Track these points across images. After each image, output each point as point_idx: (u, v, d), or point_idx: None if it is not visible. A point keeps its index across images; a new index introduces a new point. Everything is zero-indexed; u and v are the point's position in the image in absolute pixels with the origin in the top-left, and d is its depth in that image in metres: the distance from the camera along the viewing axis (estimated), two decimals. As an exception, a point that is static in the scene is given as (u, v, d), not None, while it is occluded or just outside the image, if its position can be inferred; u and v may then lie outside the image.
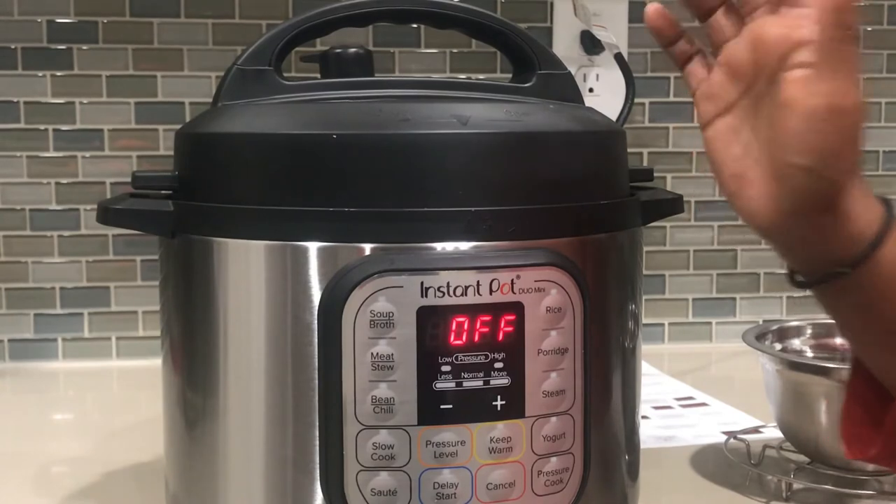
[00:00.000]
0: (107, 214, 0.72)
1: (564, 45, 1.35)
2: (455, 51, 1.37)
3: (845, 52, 0.59)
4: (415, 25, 1.34)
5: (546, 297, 0.67)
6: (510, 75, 0.80)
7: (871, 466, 0.87)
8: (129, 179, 0.74)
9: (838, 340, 0.98)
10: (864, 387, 0.67)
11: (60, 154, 1.32)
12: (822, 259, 0.63)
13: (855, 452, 0.68)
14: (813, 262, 0.64)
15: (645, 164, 1.38)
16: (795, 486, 0.87)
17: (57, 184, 1.32)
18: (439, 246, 0.66)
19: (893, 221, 0.62)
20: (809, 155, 0.59)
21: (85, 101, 1.32)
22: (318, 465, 0.66)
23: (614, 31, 1.27)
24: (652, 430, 1.05)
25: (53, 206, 1.32)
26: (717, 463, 0.95)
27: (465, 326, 0.65)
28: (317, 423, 0.66)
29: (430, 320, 0.65)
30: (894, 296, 0.62)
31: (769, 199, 0.61)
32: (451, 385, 0.65)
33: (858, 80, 0.59)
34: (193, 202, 0.71)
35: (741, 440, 0.94)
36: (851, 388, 0.68)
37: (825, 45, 0.59)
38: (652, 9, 0.66)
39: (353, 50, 0.77)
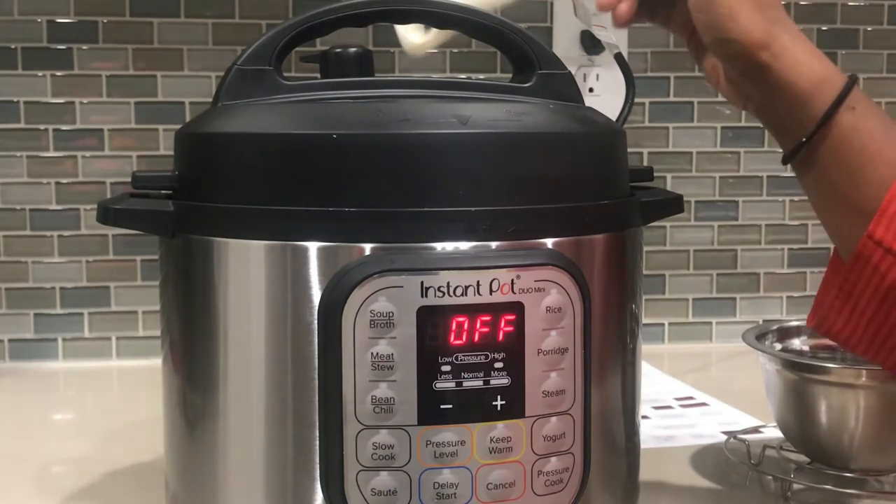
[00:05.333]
0: (107, 214, 0.72)
1: (564, 45, 1.35)
2: (455, 51, 1.37)
3: None
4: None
5: (546, 297, 0.67)
6: (510, 75, 0.80)
7: (871, 466, 0.87)
8: (129, 179, 0.74)
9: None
10: (837, 266, 0.76)
11: (60, 154, 1.32)
12: (787, 130, 0.75)
13: (810, 319, 0.79)
14: (783, 132, 0.76)
15: (645, 164, 1.38)
16: (795, 486, 0.87)
17: (57, 184, 1.32)
18: (439, 246, 0.66)
19: (848, 95, 0.72)
20: (708, 32, 0.73)
21: (85, 101, 1.32)
22: (318, 466, 0.66)
23: (614, 31, 1.27)
24: (652, 430, 1.05)
25: (53, 206, 1.32)
26: (717, 463, 0.95)
27: (465, 326, 0.65)
28: (317, 424, 0.66)
29: (430, 320, 0.65)
30: (841, 167, 0.73)
31: (726, 76, 0.77)
32: (451, 385, 0.65)
33: None
34: (193, 202, 0.71)
35: (741, 440, 0.94)
36: (830, 262, 0.77)
37: None
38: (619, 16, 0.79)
39: (353, 50, 0.77)
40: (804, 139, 0.73)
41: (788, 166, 0.77)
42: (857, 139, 0.72)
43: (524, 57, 0.77)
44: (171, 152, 0.76)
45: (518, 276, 0.66)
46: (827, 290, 0.76)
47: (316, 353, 0.66)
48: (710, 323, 1.46)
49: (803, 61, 0.73)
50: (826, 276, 0.77)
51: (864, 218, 0.71)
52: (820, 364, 0.89)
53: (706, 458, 0.97)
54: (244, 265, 0.68)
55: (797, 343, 0.98)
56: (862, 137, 0.72)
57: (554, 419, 0.68)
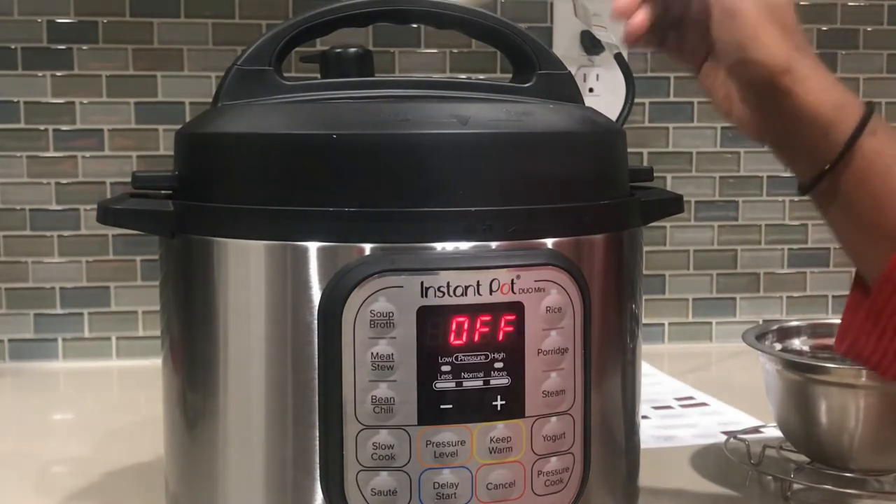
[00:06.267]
0: (107, 214, 0.72)
1: (564, 45, 1.35)
2: (455, 51, 1.37)
3: None
4: (415, 25, 1.34)
5: (546, 297, 0.67)
6: (510, 75, 0.80)
7: (871, 466, 0.87)
8: (129, 179, 0.74)
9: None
10: (862, 290, 0.75)
11: (60, 154, 1.32)
12: (808, 159, 0.74)
13: (838, 344, 0.78)
14: (803, 161, 0.75)
15: (645, 164, 1.38)
16: (795, 486, 0.87)
17: (57, 184, 1.32)
18: (439, 246, 0.66)
19: (869, 121, 0.72)
20: (730, 51, 0.73)
21: (85, 101, 1.32)
22: (318, 465, 0.66)
23: (614, 31, 1.27)
24: (652, 430, 1.05)
25: (53, 206, 1.32)
26: (717, 463, 0.95)
27: (465, 326, 0.65)
28: (317, 423, 0.66)
29: (430, 320, 0.65)
30: (866, 193, 0.72)
31: (743, 104, 0.75)
32: (451, 385, 0.65)
33: None
34: (193, 202, 0.71)
35: (741, 440, 0.94)
36: (853, 285, 0.77)
37: None
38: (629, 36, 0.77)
39: (353, 50, 0.77)
40: (827, 167, 0.72)
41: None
42: (881, 163, 0.72)
43: (524, 57, 0.77)
44: (171, 152, 0.76)
45: (518, 276, 0.66)
46: (853, 314, 0.76)
47: (316, 353, 0.66)
48: (710, 323, 1.46)
49: (824, 88, 0.72)
50: (851, 300, 0.77)
51: (891, 242, 0.71)
52: (820, 364, 0.89)
53: (706, 458, 0.97)
54: (244, 265, 0.68)
55: (797, 343, 0.98)
56: (886, 161, 0.72)
57: (554, 419, 0.68)
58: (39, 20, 1.31)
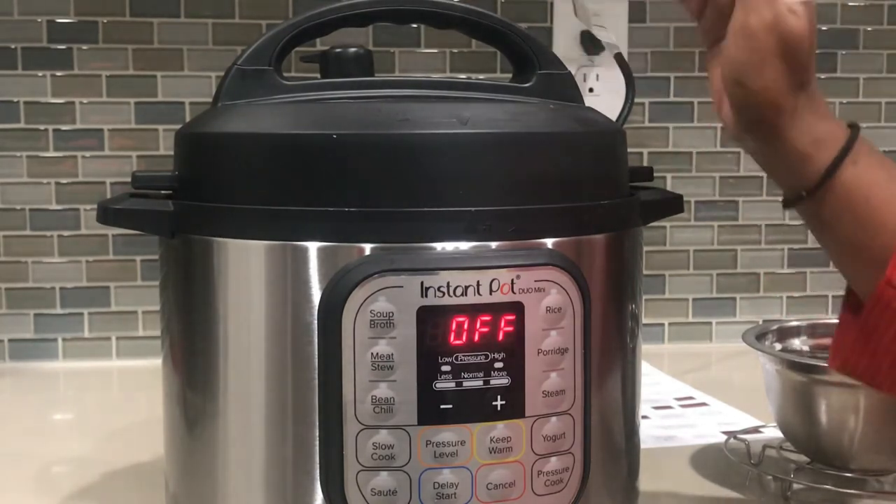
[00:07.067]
0: (107, 214, 0.72)
1: (564, 45, 1.35)
2: (455, 51, 1.37)
3: None
4: (415, 25, 1.34)
5: (546, 297, 0.67)
6: (510, 75, 0.80)
7: (871, 466, 0.87)
8: (129, 179, 0.74)
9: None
10: (852, 308, 0.74)
11: (60, 154, 1.32)
12: (786, 182, 0.73)
13: (831, 361, 0.76)
14: (782, 183, 0.74)
15: (645, 164, 1.38)
16: (795, 486, 0.87)
17: (57, 184, 1.32)
18: (439, 246, 0.66)
19: (850, 151, 0.70)
20: (733, 67, 0.69)
21: (85, 101, 1.32)
22: (318, 465, 0.66)
23: (614, 31, 1.27)
24: (652, 430, 1.05)
25: (53, 206, 1.32)
26: (717, 463, 0.95)
27: (465, 326, 0.65)
28: (317, 423, 0.66)
29: (430, 320, 0.65)
30: (849, 218, 0.71)
31: (732, 116, 0.72)
32: (451, 385, 0.65)
33: (807, 12, 0.68)
34: (193, 202, 0.71)
35: (741, 440, 0.94)
36: (844, 303, 0.75)
37: None
38: None
39: (353, 50, 0.77)
40: (804, 193, 0.71)
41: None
42: (862, 191, 0.71)
43: (524, 57, 0.77)
44: (171, 152, 0.76)
45: (518, 276, 0.66)
46: (845, 331, 0.75)
47: (316, 353, 0.66)
48: (710, 323, 1.46)
49: (809, 124, 0.71)
50: (842, 319, 0.76)
51: (879, 265, 0.70)
52: (820, 364, 0.89)
53: (706, 458, 0.97)
54: (244, 265, 0.68)
55: (797, 343, 0.98)
56: (870, 187, 0.71)
57: (554, 419, 0.68)
58: (39, 20, 1.31)
